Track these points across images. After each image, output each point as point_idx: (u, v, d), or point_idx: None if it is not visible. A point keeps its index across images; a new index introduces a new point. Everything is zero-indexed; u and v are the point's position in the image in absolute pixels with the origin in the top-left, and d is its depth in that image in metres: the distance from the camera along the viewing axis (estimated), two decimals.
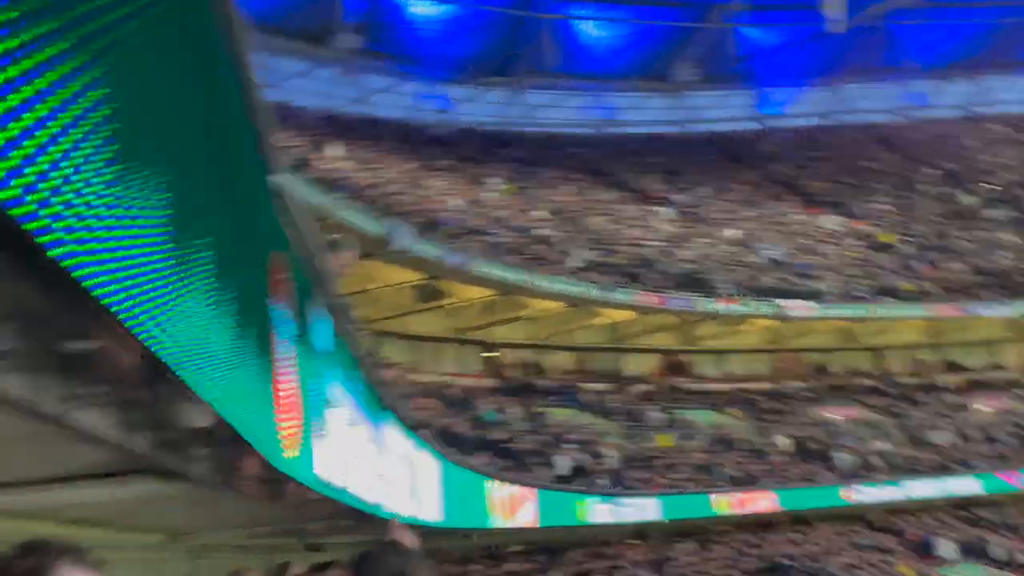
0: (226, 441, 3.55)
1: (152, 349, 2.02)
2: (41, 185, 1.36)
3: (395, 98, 50.68)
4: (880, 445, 38.68)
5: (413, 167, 40.97)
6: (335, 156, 36.57)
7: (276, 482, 5.09)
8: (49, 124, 1.38)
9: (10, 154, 1.31)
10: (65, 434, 2.87)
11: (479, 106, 53.12)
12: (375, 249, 30.10)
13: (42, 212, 1.35)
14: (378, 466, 9.54)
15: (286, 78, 42.29)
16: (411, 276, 33.38)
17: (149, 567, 7.86)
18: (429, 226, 33.70)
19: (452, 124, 50.17)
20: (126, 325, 1.79)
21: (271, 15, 40.55)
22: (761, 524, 34.94)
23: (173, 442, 3.33)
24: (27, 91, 1.31)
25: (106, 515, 6.03)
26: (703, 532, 33.62)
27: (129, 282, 1.74)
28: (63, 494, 4.02)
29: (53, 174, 1.39)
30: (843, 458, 36.92)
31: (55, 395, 2.26)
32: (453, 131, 48.88)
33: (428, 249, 31.81)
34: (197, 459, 3.83)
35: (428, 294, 35.36)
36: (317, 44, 45.48)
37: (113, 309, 1.67)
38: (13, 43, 1.25)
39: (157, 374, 2.29)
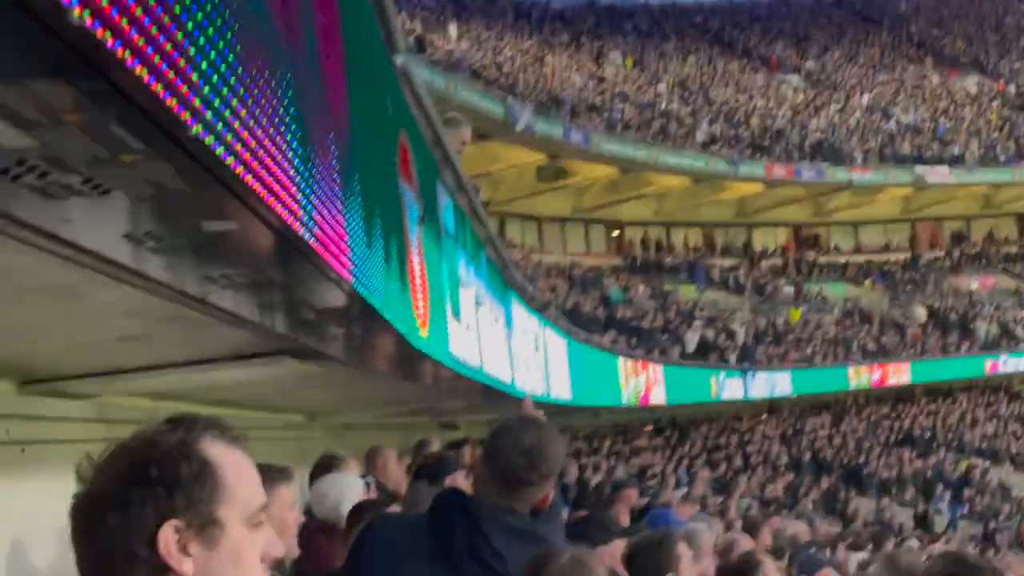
0: (362, 320, 3.58)
1: (288, 227, 2.01)
2: (177, 59, 1.33)
3: None
4: (1022, 313, 37.50)
5: (532, 45, 40.41)
6: (454, 36, 36.26)
7: (411, 361, 5.15)
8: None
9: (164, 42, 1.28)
10: (207, 316, 2.93)
11: None
12: (497, 130, 29.95)
13: (180, 87, 1.33)
14: (508, 345, 9.63)
15: None
16: (534, 156, 33.19)
17: (291, 445, 8.14)
18: (550, 105, 33.32)
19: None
20: (263, 204, 1.77)
21: None
22: (898, 396, 34.45)
23: (310, 322, 3.37)
24: None
25: (249, 396, 6.23)
26: (837, 406, 33.34)
27: (264, 157, 1.72)
28: (205, 375, 4.15)
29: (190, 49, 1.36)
30: (983, 328, 35.91)
31: (196, 276, 2.28)
32: (572, 6, 47.91)
33: (550, 128, 31.50)
34: (334, 338, 3.88)
35: (551, 174, 35.20)
36: None
37: (249, 187, 1.65)
38: None
39: (293, 253, 2.29)
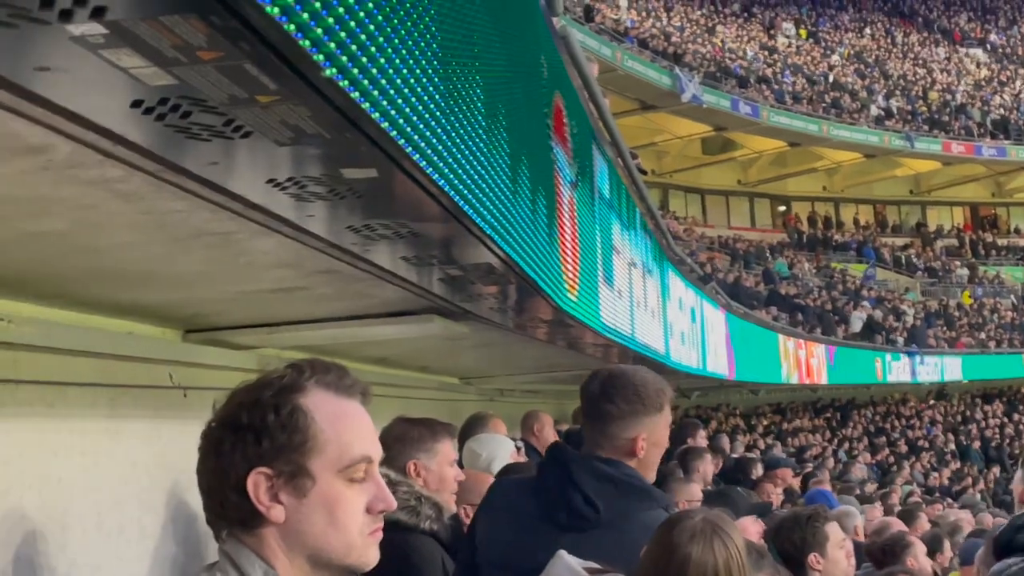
0: (514, 281, 3.59)
1: (428, 177, 2.02)
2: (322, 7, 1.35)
3: None
4: None
5: (702, 15, 39.70)
6: (623, 5, 35.94)
7: (559, 323, 5.15)
8: None
9: None
10: (357, 271, 2.99)
11: None
12: (663, 100, 29.62)
13: (315, 28, 1.34)
14: (663, 316, 9.54)
15: None
16: (700, 128, 32.71)
17: (444, 407, 8.27)
18: (719, 76, 32.72)
19: None
20: (401, 151, 1.79)
21: None
22: None
23: (457, 279, 3.40)
24: None
25: (403, 355, 6.35)
26: (1011, 394, 31.88)
27: (402, 105, 1.73)
28: (359, 331, 4.23)
29: None
30: None
31: (340, 227, 2.33)
32: None
33: (718, 100, 30.96)
34: (481, 297, 3.91)
35: (717, 146, 34.64)
36: None
37: (386, 133, 1.66)
38: None
39: (444, 209, 2.30)
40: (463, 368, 8.50)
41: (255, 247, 2.56)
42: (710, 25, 38.51)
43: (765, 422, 25.38)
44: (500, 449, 4.96)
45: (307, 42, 1.30)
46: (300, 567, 1.61)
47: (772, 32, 40.71)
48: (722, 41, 36.88)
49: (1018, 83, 41.90)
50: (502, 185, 2.78)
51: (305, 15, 1.27)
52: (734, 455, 11.29)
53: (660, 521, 2.61)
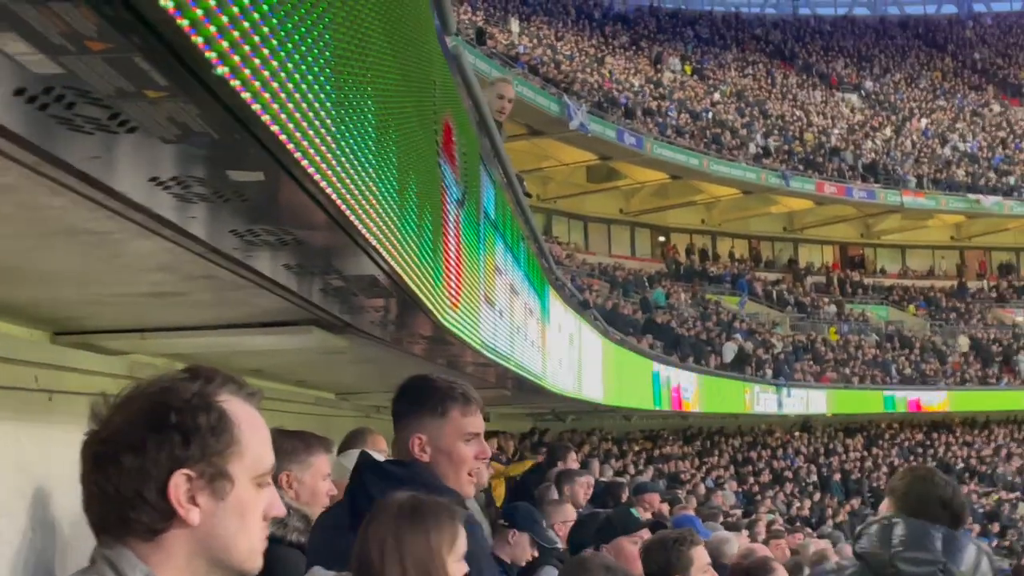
0: (396, 295, 3.58)
1: (324, 189, 2.02)
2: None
3: None
4: None
5: (592, 45, 40.34)
6: (515, 31, 36.28)
7: (444, 343, 5.16)
8: None
9: None
10: (237, 277, 2.95)
11: None
12: (550, 127, 29.93)
13: (208, 25, 1.33)
14: (542, 338, 9.62)
15: None
16: (585, 156, 33.15)
17: (319, 421, 8.18)
18: (606, 105, 33.25)
19: (634, 1, 49.03)
20: (289, 156, 1.77)
21: None
22: (933, 424, 34.08)
23: (339, 290, 3.38)
24: None
25: (279, 367, 6.26)
26: (871, 429, 33.02)
27: (292, 110, 1.72)
28: (235, 339, 4.17)
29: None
30: None
31: (222, 230, 2.29)
32: (634, 9, 47.78)
33: (604, 129, 31.44)
34: (361, 310, 3.90)
35: (601, 175, 35.14)
36: None
37: (275, 137, 1.65)
38: None
39: (330, 217, 2.29)
40: (340, 383, 8.42)
41: (133, 248, 2.51)
42: (599, 56, 39.13)
43: (637, 448, 25.73)
44: None
45: (200, 39, 1.29)
46: (195, 571, 1.59)
47: (659, 66, 41.59)
48: (610, 72, 37.50)
49: (889, 129, 43.60)
50: (389, 198, 2.78)
51: (199, 11, 1.26)
52: (602, 479, 11.44)
53: None
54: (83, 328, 4.07)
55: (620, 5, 47.71)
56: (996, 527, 27.64)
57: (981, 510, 28.26)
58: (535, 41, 36.33)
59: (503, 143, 8.81)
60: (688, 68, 42.80)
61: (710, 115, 38.51)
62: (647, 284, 33.01)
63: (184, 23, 1.25)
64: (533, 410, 18.22)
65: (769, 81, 44.90)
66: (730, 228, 39.83)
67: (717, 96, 41.15)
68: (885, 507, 3.83)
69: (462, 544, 2.52)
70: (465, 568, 2.51)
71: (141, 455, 1.56)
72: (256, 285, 3.08)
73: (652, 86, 38.77)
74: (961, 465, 31.52)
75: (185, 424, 1.57)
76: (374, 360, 6.01)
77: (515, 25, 37.08)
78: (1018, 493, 30.45)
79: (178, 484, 1.55)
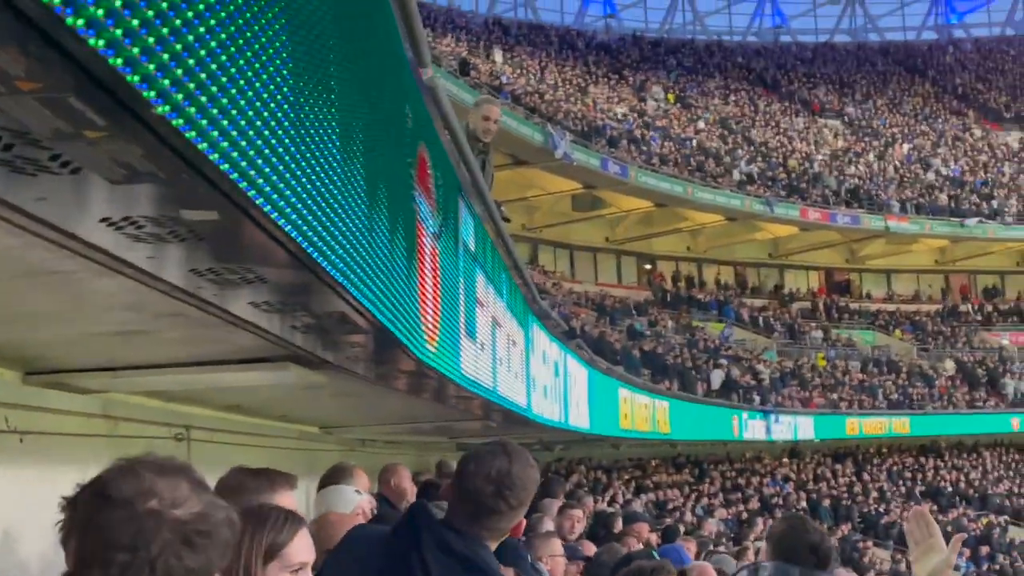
0: (369, 331, 3.54)
1: (283, 228, 1.97)
2: (145, 35, 1.29)
3: (560, 3, 50.16)
4: None
5: (576, 74, 40.52)
6: (499, 61, 36.43)
7: (424, 377, 5.10)
8: None
9: (128, 16, 1.24)
10: (206, 315, 2.90)
11: (645, 12, 52.09)
12: (535, 157, 30.00)
13: (146, 64, 1.29)
14: (526, 369, 9.57)
15: None
16: (570, 185, 33.21)
17: (302, 456, 8.10)
18: (590, 134, 33.36)
19: (617, 31, 49.34)
20: (242, 194, 1.73)
21: None
22: (922, 449, 34.07)
23: (310, 327, 3.33)
24: None
25: (259, 403, 6.19)
26: (860, 453, 32.98)
27: (244, 146, 1.67)
28: (210, 378, 4.11)
29: (171, 36, 1.33)
30: (1012, 385, 35.46)
31: (182, 269, 2.25)
32: (617, 38, 48.07)
33: (588, 158, 31.53)
34: (343, 347, 3.84)
35: (587, 203, 35.20)
36: None
37: (225, 175, 1.61)
38: None
39: (292, 255, 2.25)
40: (323, 417, 8.34)
41: (97, 287, 2.46)
42: (583, 85, 39.30)
43: (626, 476, 25.64)
44: (340, 503, 4.88)
45: (136, 77, 1.25)
46: None
47: (642, 95, 41.78)
48: (594, 101, 37.64)
49: (871, 154, 43.84)
50: (358, 234, 2.73)
51: (135, 49, 1.22)
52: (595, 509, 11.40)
53: None
54: (54, 367, 4.01)
55: (603, 35, 48.01)
56: (987, 550, 27.57)
57: (972, 534, 28.19)
58: (519, 71, 36.48)
59: (492, 163, 8.83)
60: (671, 96, 43.00)
61: (694, 143, 38.67)
62: (634, 312, 33.00)
63: (119, 61, 1.21)
64: (521, 441, 18.13)
65: (752, 108, 45.14)
66: (716, 255, 39.90)
67: (701, 124, 41.34)
68: (763, 552, 4.34)
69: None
70: None
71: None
72: (227, 323, 3.03)
73: (636, 115, 38.92)
74: (951, 489, 31.48)
75: None
76: (356, 394, 5.95)
77: (499, 55, 37.25)
78: (1007, 516, 30.42)
79: None
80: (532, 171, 31.22)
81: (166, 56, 1.32)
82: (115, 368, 4.06)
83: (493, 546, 2.85)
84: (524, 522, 2.93)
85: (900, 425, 32.39)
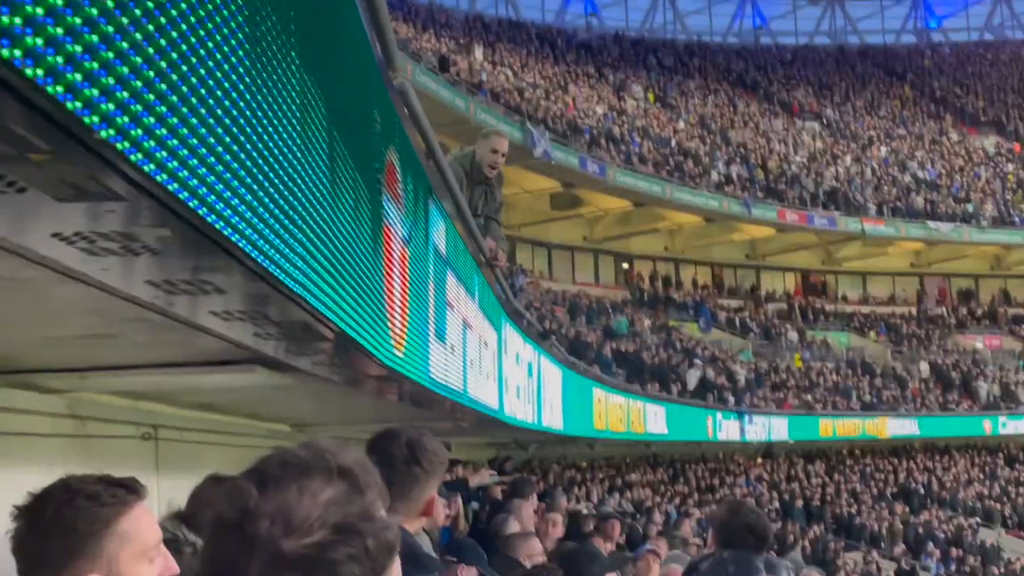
0: (331, 339, 3.54)
1: (237, 243, 1.97)
2: (83, 61, 1.29)
3: (541, 1, 50.18)
4: None
5: (555, 73, 40.52)
6: (479, 59, 36.39)
7: (391, 381, 5.11)
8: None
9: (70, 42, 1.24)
10: (168, 320, 2.90)
11: (625, 11, 52.19)
12: (513, 155, 29.96)
13: (84, 90, 1.29)
14: (499, 371, 9.57)
15: None
16: (549, 184, 33.21)
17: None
18: (569, 133, 33.37)
19: (597, 29, 49.39)
20: (201, 217, 1.73)
21: None
22: (894, 450, 34.27)
23: (276, 336, 3.33)
24: None
25: (229, 402, 6.18)
26: (833, 455, 33.15)
27: (202, 168, 1.68)
28: (177, 379, 4.10)
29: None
30: (985, 388, 35.73)
31: (138, 280, 2.25)
32: (597, 37, 48.11)
33: (567, 157, 31.54)
34: (306, 353, 3.84)
35: (565, 202, 35.22)
36: None
37: (184, 198, 1.61)
38: None
39: (248, 269, 2.24)
40: (295, 416, 8.33)
41: (58, 295, 2.46)
42: (563, 83, 39.31)
43: (601, 475, 25.67)
44: None
45: (78, 103, 1.25)
46: None
47: (622, 94, 41.82)
48: (574, 100, 37.66)
49: (849, 157, 44.04)
50: (319, 244, 2.73)
51: (77, 76, 1.23)
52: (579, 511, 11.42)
53: None
54: (19, 367, 3.99)
55: (584, 33, 48.02)
56: (957, 552, 27.77)
57: (943, 536, 28.39)
58: (498, 69, 36.46)
59: (497, 195, 8.88)
60: (651, 96, 43.07)
61: (673, 143, 38.74)
62: (611, 311, 33.04)
63: (59, 89, 1.22)
64: (495, 440, 18.13)
65: (731, 109, 45.26)
66: (693, 255, 40.00)
67: (681, 124, 41.43)
68: (710, 537, 4.70)
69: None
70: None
71: None
72: (192, 328, 3.03)
73: (615, 114, 38.97)
74: (923, 491, 31.70)
75: None
76: (328, 394, 5.94)
77: (479, 53, 37.21)
78: (979, 520, 30.64)
79: None
80: (510, 169, 31.14)
81: (110, 80, 1.32)
82: (82, 369, 4.05)
83: (412, 526, 2.86)
84: (435, 498, 2.95)
85: (873, 427, 32.57)
